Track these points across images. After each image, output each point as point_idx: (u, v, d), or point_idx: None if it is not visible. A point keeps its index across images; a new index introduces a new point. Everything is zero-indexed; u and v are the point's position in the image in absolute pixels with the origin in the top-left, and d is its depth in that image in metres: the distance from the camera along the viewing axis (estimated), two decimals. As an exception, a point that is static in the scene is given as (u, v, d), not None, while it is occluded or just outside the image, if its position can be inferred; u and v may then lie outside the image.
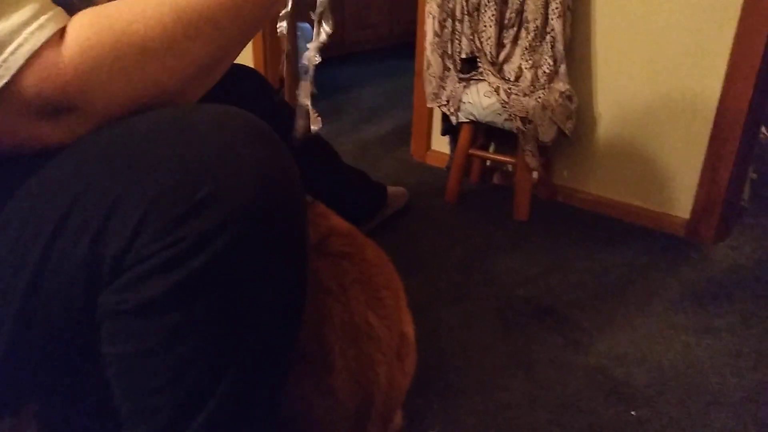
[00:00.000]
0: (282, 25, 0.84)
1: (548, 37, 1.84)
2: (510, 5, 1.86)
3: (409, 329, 0.96)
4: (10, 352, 0.59)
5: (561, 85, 1.87)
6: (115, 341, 0.57)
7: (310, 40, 0.82)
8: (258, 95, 1.33)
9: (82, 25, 0.55)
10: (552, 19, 1.82)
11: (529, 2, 1.83)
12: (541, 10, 1.81)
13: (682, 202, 1.88)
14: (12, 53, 0.52)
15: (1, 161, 0.60)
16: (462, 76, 1.97)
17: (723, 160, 1.75)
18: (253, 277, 0.56)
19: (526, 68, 1.88)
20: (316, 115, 0.83)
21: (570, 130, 1.91)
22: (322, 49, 0.81)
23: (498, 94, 1.85)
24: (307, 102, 0.80)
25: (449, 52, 1.99)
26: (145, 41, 0.56)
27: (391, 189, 1.93)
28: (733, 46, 1.66)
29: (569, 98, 1.88)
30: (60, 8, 0.56)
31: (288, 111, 1.60)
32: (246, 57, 2.64)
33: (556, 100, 1.84)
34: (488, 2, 1.86)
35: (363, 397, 0.85)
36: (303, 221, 0.60)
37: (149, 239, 0.52)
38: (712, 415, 1.17)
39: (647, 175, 1.93)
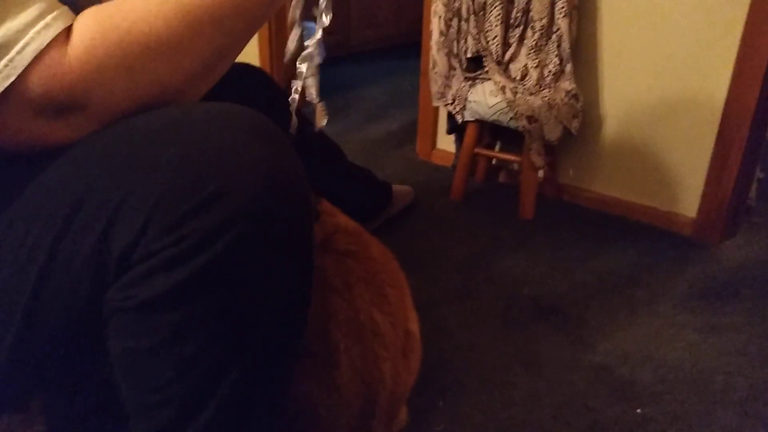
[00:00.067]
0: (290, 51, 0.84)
1: (554, 36, 1.84)
2: (516, 4, 1.86)
3: (414, 327, 0.96)
4: (18, 347, 0.60)
5: (567, 84, 1.86)
6: (121, 337, 0.57)
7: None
8: (263, 93, 1.34)
9: (88, 24, 0.56)
10: (558, 18, 1.82)
11: (535, 1, 1.82)
12: (548, 9, 1.81)
13: (688, 201, 1.88)
14: (19, 52, 0.52)
15: (8, 160, 0.61)
16: (468, 75, 1.97)
17: (730, 158, 1.75)
18: (258, 274, 0.56)
19: (532, 67, 1.88)
20: (324, 110, 0.83)
21: (576, 129, 1.91)
22: (327, 47, 0.81)
23: (504, 93, 1.85)
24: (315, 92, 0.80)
25: (455, 51, 1.99)
26: (150, 40, 0.56)
27: (396, 187, 1.93)
28: (740, 45, 1.66)
29: (575, 97, 1.87)
30: (66, 7, 0.57)
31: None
32: (252, 55, 2.65)
33: (562, 99, 1.84)
34: (494, 1, 1.85)
35: (367, 394, 0.85)
36: (308, 219, 0.60)
37: (155, 236, 0.52)
38: (718, 413, 1.16)
39: (653, 173, 1.93)
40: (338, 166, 1.70)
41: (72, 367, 0.67)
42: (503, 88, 1.85)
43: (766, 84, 1.66)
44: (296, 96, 0.83)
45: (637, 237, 1.86)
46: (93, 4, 0.58)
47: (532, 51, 1.86)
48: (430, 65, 2.06)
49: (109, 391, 0.61)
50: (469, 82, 1.95)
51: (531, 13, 1.84)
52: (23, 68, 0.53)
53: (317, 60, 0.81)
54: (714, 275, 1.65)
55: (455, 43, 1.98)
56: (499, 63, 1.92)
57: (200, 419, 0.58)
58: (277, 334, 0.60)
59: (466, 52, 1.96)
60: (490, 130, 2.13)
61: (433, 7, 2.02)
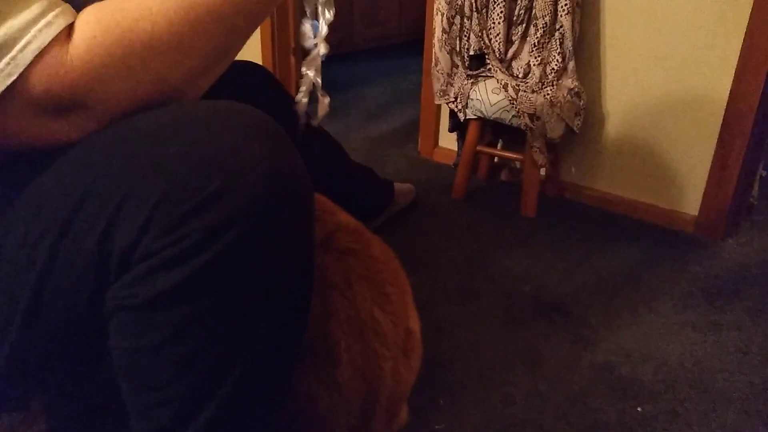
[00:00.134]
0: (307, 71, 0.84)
1: (557, 34, 1.84)
2: (519, 2, 1.85)
3: (415, 325, 0.96)
4: (19, 346, 0.60)
5: (569, 82, 1.86)
6: (122, 336, 0.57)
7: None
8: (266, 91, 1.34)
9: (89, 22, 0.56)
10: (561, 16, 1.81)
11: (537, -2, 1.82)
12: (550, 7, 1.81)
13: (690, 199, 1.87)
14: (21, 50, 0.53)
15: (10, 159, 0.61)
16: (470, 72, 1.97)
17: (732, 157, 1.74)
18: (260, 272, 0.56)
19: (534, 65, 1.87)
20: (326, 99, 0.83)
21: (578, 127, 1.91)
22: (329, 45, 0.81)
23: (506, 91, 1.84)
24: (317, 79, 0.80)
25: (457, 49, 1.99)
26: (152, 38, 0.56)
27: (398, 186, 1.93)
28: (743, 42, 1.65)
29: (578, 95, 1.87)
30: (67, 5, 0.57)
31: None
32: (254, 54, 2.65)
33: (564, 97, 1.83)
34: (496, -1, 1.85)
35: (368, 392, 0.86)
36: (310, 217, 0.60)
37: (157, 234, 0.52)
38: (719, 412, 1.16)
39: (655, 171, 1.92)
40: (340, 164, 1.70)
41: (73, 366, 0.67)
42: (506, 86, 1.84)
43: (769, 82, 1.66)
44: (304, 99, 0.83)
45: (639, 235, 1.86)
46: (94, 2, 0.58)
47: (534, 48, 1.86)
48: (433, 63, 2.06)
49: (109, 391, 0.62)
50: (472, 80, 1.94)
51: (534, 11, 1.84)
52: (25, 66, 0.53)
53: (322, 53, 0.82)
54: (716, 273, 1.65)
55: (458, 41, 1.98)
56: (501, 60, 1.91)
57: (201, 418, 0.58)
58: (278, 332, 0.60)
59: (468, 49, 1.96)
60: (492, 128, 2.13)
61: (435, 5, 2.02)
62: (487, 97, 1.88)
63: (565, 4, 1.79)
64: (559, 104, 1.82)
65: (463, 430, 1.11)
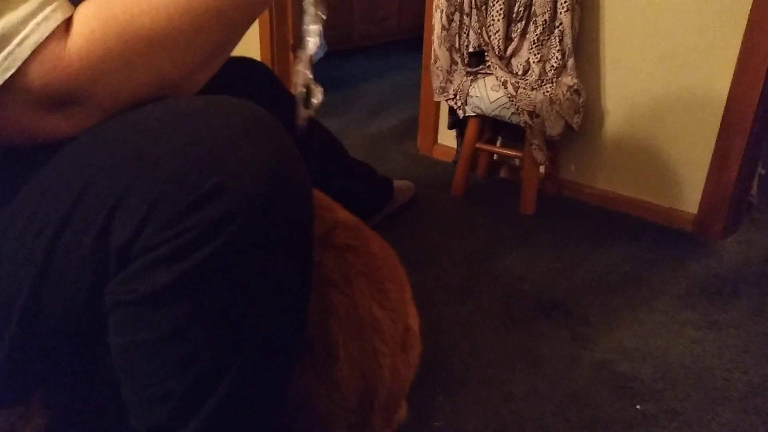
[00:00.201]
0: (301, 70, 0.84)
1: (556, 31, 1.84)
2: (518, -1, 1.85)
3: (414, 322, 0.96)
4: (19, 342, 0.60)
5: (569, 80, 1.86)
6: (122, 331, 0.57)
7: (319, 35, 0.83)
8: (265, 87, 1.34)
9: (88, 17, 0.55)
10: (560, 13, 1.81)
11: (537, -4, 1.82)
12: (550, 4, 1.80)
13: (690, 198, 1.87)
14: (18, 44, 0.52)
15: (9, 154, 0.61)
16: (469, 69, 1.96)
17: (731, 155, 1.74)
18: (259, 267, 0.56)
19: (534, 62, 1.87)
20: (319, 88, 0.84)
21: (577, 125, 1.90)
22: (328, 42, 0.81)
23: (505, 88, 1.84)
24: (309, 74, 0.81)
25: (457, 46, 1.99)
26: (151, 33, 0.56)
27: (397, 183, 1.93)
28: (743, 41, 1.65)
29: (577, 92, 1.87)
30: None
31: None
32: (252, 50, 2.64)
33: (563, 95, 1.83)
34: (496, -4, 1.85)
35: (366, 389, 0.85)
36: (309, 213, 0.60)
37: (157, 229, 0.52)
38: (718, 410, 1.16)
39: (655, 170, 1.92)
40: (339, 161, 1.70)
41: (72, 362, 0.67)
42: (505, 83, 1.84)
43: (769, 80, 1.65)
44: (302, 90, 0.84)
45: (639, 233, 1.86)
46: None
47: (534, 46, 1.86)
48: (432, 60, 2.06)
49: (109, 387, 0.61)
50: (471, 77, 1.94)
51: (533, 8, 1.83)
52: (23, 61, 0.53)
53: (317, 50, 0.82)
54: (715, 272, 1.65)
55: (457, 38, 1.98)
56: (500, 58, 1.91)
57: (200, 414, 0.58)
58: (277, 328, 0.60)
59: (468, 46, 1.96)
60: (491, 126, 2.12)
61: (435, 2, 2.01)
62: (487, 94, 1.88)
63: (565, 2, 1.79)
64: (558, 102, 1.82)
65: (462, 427, 1.11)
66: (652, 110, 1.88)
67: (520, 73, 1.90)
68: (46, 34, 0.53)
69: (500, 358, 1.29)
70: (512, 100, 1.83)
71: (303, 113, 0.85)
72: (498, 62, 1.89)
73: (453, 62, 2.01)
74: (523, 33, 1.88)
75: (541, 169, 1.99)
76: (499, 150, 2.10)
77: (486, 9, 1.89)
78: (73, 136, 0.57)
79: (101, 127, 0.57)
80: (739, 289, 1.57)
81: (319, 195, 0.97)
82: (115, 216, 0.53)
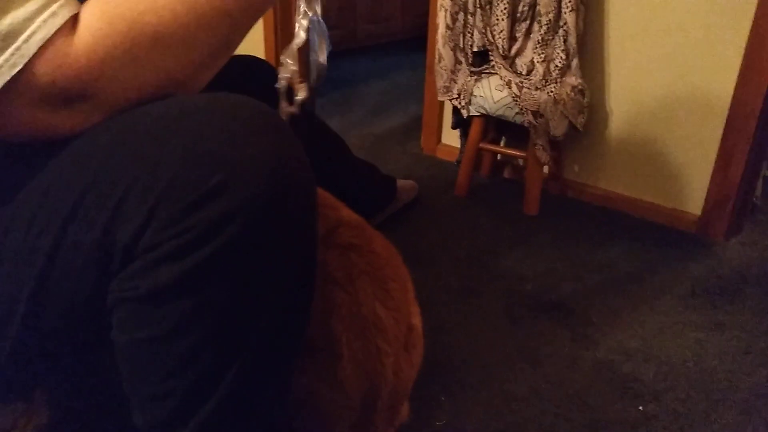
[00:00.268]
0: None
1: (561, 31, 1.83)
2: (523, -2, 1.85)
3: (417, 321, 0.96)
4: (21, 340, 0.60)
5: (573, 80, 1.86)
6: (125, 328, 0.57)
7: (321, 33, 0.83)
8: (269, 86, 1.33)
9: (95, 14, 0.55)
10: (565, 13, 1.81)
11: (541, -4, 1.82)
12: (554, 4, 1.80)
13: (693, 199, 1.87)
14: (25, 41, 0.52)
15: (11, 153, 0.61)
16: (473, 69, 1.96)
17: (735, 156, 1.74)
18: (263, 265, 0.56)
19: (538, 62, 1.87)
20: (303, 85, 0.84)
21: (581, 125, 1.90)
22: (332, 42, 0.82)
23: (509, 88, 1.84)
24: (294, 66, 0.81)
25: (461, 46, 1.99)
26: (157, 31, 0.56)
27: (400, 182, 1.93)
28: (748, 42, 1.65)
29: (581, 93, 1.87)
30: None
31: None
32: (257, 48, 2.64)
33: (568, 95, 1.83)
34: (501, -5, 1.85)
35: (369, 388, 0.86)
36: (313, 210, 0.60)
37: (161, 227, 0.52)
38: (720, 412, 1.16)
39: (659, 170, 1.92)
40: (343, 160, 1.70)
41: (74, 358, 0.67)
42: (509, 83, 1.84)
43: (774, 82, 1.65)
44: (282, 88, 0.84)
45: (641, 234, 1.85)
46: None
47: (538, 45, 1.85)
48: (436, 59, 2.05)
49: (110, 384, 0.62)
50: (475, 77, 1.94)
51: (538, 8, 1.83)
52: (30, 57, 0.53)
53: (298, 43, 0.82)
54: (718, 273, 1.65)
55: (461, 37, 1.97)
56: (505, 57, 1.91)
57: (202, 412, 0.58)
58: (280, 326, 0.60)
59: (472, 46, 1.95)
60: (495, 125, 2.12)
61: (439, 1, 2.01)
62: (491, 93, 1.88)
63: (569, 1, 1.79)
64: (562, 102, 1.82)
65: (463, 427, 1.11)
66: (657, 111, 1.88)
67: (524, 72, 1.90)
68: (53, 31, 0.53)
69: (502, 357, 1.29)
70: (516, 100, 1.83)
71: (285, 108, 0.85)
72: (502, 62, 1.89)
73: (457, 62, 2.01)
74: (528, 33, 1.88)
75: (545, 169, 1.99)
76: (503, 150, 2.10)
77: (490, 8, 1.89)
78: (78, 132, 0.58)
79: (105, 125, 0.57)
80: (742, 290, 1.57)
81: (322, 194, 0.97)
82: (118, 214, 0.54)
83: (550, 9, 1.80)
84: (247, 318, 0.57)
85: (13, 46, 0.52)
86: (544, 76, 1.86)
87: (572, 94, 1.84)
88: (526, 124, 1.84)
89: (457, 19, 1.96)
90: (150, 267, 0.53)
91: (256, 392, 0.60)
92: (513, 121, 1.88)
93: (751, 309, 1.49)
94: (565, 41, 1.83)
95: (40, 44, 0.53)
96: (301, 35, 0.82)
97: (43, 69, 0.53)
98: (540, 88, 1.83)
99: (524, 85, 1.83)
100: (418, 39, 3.44)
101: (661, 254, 1.73)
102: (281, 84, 0.82)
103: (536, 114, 1.81)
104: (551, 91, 1.82)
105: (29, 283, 0.58)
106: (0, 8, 0.52)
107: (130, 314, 0.56)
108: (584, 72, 1.92)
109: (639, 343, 1.35)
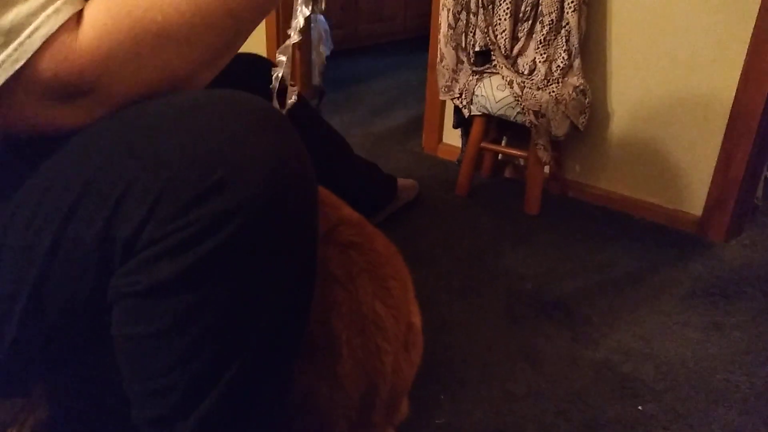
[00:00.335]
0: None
1: (563, 31, 1.83)
2: (525, -2, 1.85)
3: (417, 320, 0.96)
4: (22, 333, 0.60)
5: (575, 80, 1.86)
6: (125, 323, 0.57)
7: (323, 32, 0.84)
8: (270, 84, 1.33)
9: (99, 11, 0.56)
10: (567, 13, 1.81)
11: (544, -5, 1.82)
12: (557, 4, 1.80)
13: (694, 199, 1.87)
14: (29, 36, 0.53)
15: (11, 148, 0.61)
16: (475, 69, 1.96)
17: (737, 157, 1.74)
18: (263, 262, 0.56)
19: (540, 62, 1.87)
20: (293, 89, 0.84)
21: (583, 125, 1.90)
22: (334, 41, 0.82)
23: (511, 88, 1.84)
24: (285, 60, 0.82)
25: (463, 45, 1.99)
26: (161, 29, 0.56)
27: (401, 181, 1.93)
28: (750, 42, 1.65)
29: (583, 93, 1.87)
30: None
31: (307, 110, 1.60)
32: (259, 47, 2.64)
33: (569, 95, 1.83)
34: (503, -5, 1.85)
35: (368, 386, 0.86)
36: (314, 208, 0.60)
37: (161, 222, 0.53)
38: (720, 412, 1.16)
39: (660, 171, 1.92)
40: (344, 158, 1.70)
41: (75, 353, 0.67)
42: (511, 83, 1.84)
43: (776, 83, 1.65)
44: (273, 88, 0.84)
45: (642, 234, 1.85)
46: None
47: (540, 45, 1.86)
48: (438, 59, 2.06)
49: (110, 379, 0.62)
50: (477, 76, 1.94)
51: (540, 8, 1.83)
52: (33, 52, 0.53)
53: (294, 41, 0.82)
54: (718, 274, 1.65)
55: (463, 37, 1.98)
56: (507, 57, 1.91)
57: (202, 407, 0.58)
58: (280, 324, 0.60)
59: (474, 45, 1.96)
60: (496, 125, 2.12)
61: (442, 1, 2.01)
62: (492, 93, 1.88)
63: (572, 1, 1.79)
64: (564, 102, 1.82)
65: (463, 425, 1.11)
66: (658, 111, 1.88)
67: (526, 72, 1.90)
68: (57, 26, 0.53)
69: (502, 357, 1.29)
70: (518, 100, 1.83)
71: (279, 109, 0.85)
72: (504, 62, 1.89)
73: (459, 61, 2.01)
74: (530, 32, 1.88)
75: (546, 169, 1.99)
76: (504, 150, 2.10)
77: (493, 8, 1.89)
78: (80, 127, 0.58)
79: (106, 121, 0.58)
80: (743, 291, 1.57)
81: (323, 192, 0.97)
82: (119, 210, 0.54)
83: (552, 9, 1.80)
84: (247, 314, 0.57)
85: (16, 42, 0.52)
86: (545, 76, 1.86)
87: (574, 94, 1.84)
88: (527, 124, 1.84)
89: (459, 18, 1.96)
90: (150, 262, 0.53)
91: (257, 388, 0.60)
92: (514, 120, 1.88)
93: (751, 310, 1.49)
94: (567, 41, 1.83)
95: (43, 40, 0.53)
96: (294, 36, 0.82)
97: (46, 65, 0.53)
98: (542, 88, 1.83)
99: (526, 84, 1.83)
100: (419, 38, 3.45)
101: (661, 254, 1.74)
102: (274, 85, 0.83)
103: (538, 114, 1.81)
104: (553, 91, 1.82)
105: (29, 279, 0.58)
106: (3, 4, 0.52)
107: (130, 309, 0.56)
108: (586, 72, 1.92)
109: (639, 342, 1.35)
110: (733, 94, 1.71)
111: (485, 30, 1.90)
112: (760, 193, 1.92)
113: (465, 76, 1.98)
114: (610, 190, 2.04)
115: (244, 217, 0.53)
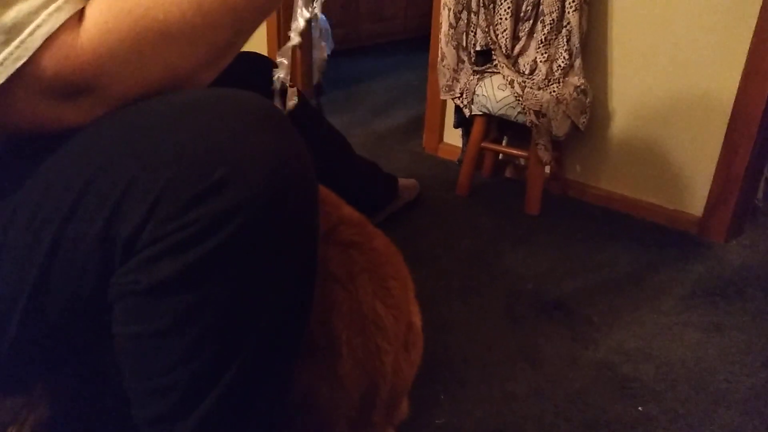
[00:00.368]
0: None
1: (564, 31, 1.83)
2: (526, -2, 1.85)
3: (417, 320, 0.96)
4: (23, 333, 0.60)
5: (576, 80, 1.86)
6: (126, 322, 0.57)
7: (324, 30, 0.84)
8: (271, 83, 1.34)
9: (101, 9, 0.56)
10: (568, 13, 1.81)
11: (545, -5, 1.82)
12: (558, 4, 1.80)
13: (695, 200, 1.87)
14: (30, 34, 0.52)
15: (12, 147, 0.61)
16: (476, 68, 1.96)
17: (737, 157, 1.74)
18: (264, 261, 0.56)
19: (541, 61, 1.87)
20: (293, 90, 0.84)
21: (583, 125, 1.90)
22: (335, 40, 0.82)
23: (512, 88, 1.84)
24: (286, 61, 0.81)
25: (464, 44, 1.99)
26: (163, 27, 0.56)
27: (402, 181, 1.93)
28: (751, 42, 1.65)
29: (584, 92, 1.87)
30: None
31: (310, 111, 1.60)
32: (260, 47, 2.64)
33: (570, 95, 1.83)
34: (504, -5, 1.85)
35: (368, 386, 0.86)
36: (315, 207, 0.60)
37: (162, 221, 0.52)
38: (720, 412, 1.16)
39: (660, 171, 1.92)
40: (344, 158, 1.70)
41: (76, 352, 0.67)
42: (512, 82, 1.84)
43: (777, 83, 1.65)
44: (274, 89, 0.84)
45: (643, 235, 1.85)
46: None
47: (541, 45, 1.85)
48: (439, 58, 2.06)
49: (111, 377, 0.62)
50: (478, 76, 1.94)
51: (541, 7, 1.83)
52: (35, 50, 0.53)
53: (295, 43, 0.82)
54: (719, 274, 1.64)
55: (464, 36, 1.98)
56: (508, 57, 1.91)
57: (202, 407, 0.58)
58: (281, 323, 0.60)
59: (475, 45, 1.95)
60: (497, 125, 2.12)
61: (443, 0, 2.01)
62: (493, 93, 1.88)
63: (573, 1, 1.79)
64: (565, 102, 1.82)
65: (463, 425, 1.11)
66: (659, 112, 1.87)
67: (527, 72, 1.90)
68: (58, 24, 0.53)
69: (502, 357, 1.29)
70: (519, 100, 1.83)
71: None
72: (505, 61, 1.89)
73: (460, 61, 2.01)
74: (531, 32, 1.88)
75: (547, 169, 1.99)
76: (505, 149, 2.10)
77: (494, 8, 1.89)
78: (81, 125, 0.58)
79: (107, 119, 0.58)
80: (743, 291, 1.57)
81: (324, 191, 0.97)
82: (121, 207, 0.54)
83: (553, 9, 1.80)
84: (247, 314, 0.57)
85: (18, 39, 0.52)
86: (546, 75, 1.86)
87: (575, 94, 1.84)
88: (528, 124, 1.84)
89: (460, 18, 1.96)
90: (151, 261, 0.53)
91: (257, 388, 0.60)
92: (515, 120, 1.88)
93: (751, 310, 1.49)
94: (568, 41, 1.83)
95: (44, 38, 0.53)
96: (294, 38, 0.82)
97: (47, 62, 0.53)
98: (542, 88, 1.83)
99: (527, 84, 1.83)
100: (420, 38, 3.45)
101: (661, 255, 1.73)
102: (276, 86, 0.83)
103: (538, 114, 1.81)
104: (554, 91, 1.82)
105: (31, 277, 0.58)
106: (5, 2, 0.52)
107: (130, 308, 0.56)
108: (587, 72, 1.92)
109: (639, 343, 1.35)
110: (734, 94, 1.71)
111: (486, 29, 1.90)
112: (760, 193, 1.92)
113: (466, 76, 1.98)
114: (610, 190, 2.04)
115: (245, 216, 0.53)
